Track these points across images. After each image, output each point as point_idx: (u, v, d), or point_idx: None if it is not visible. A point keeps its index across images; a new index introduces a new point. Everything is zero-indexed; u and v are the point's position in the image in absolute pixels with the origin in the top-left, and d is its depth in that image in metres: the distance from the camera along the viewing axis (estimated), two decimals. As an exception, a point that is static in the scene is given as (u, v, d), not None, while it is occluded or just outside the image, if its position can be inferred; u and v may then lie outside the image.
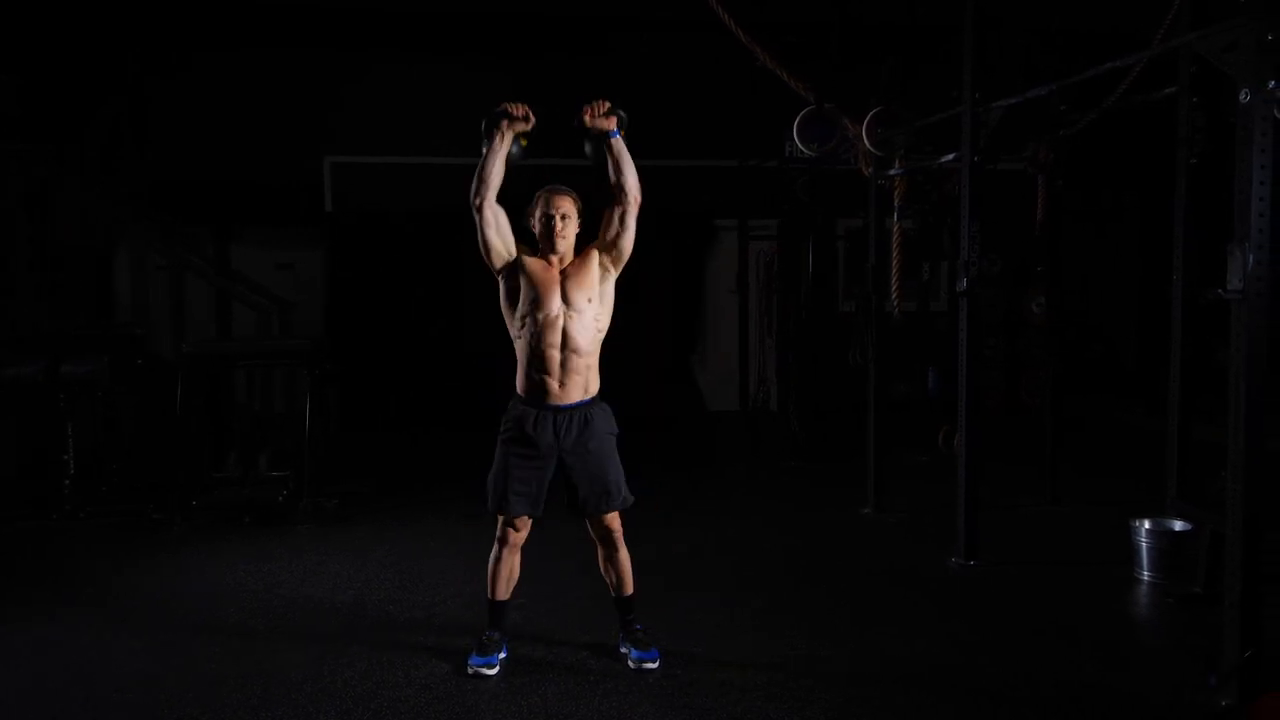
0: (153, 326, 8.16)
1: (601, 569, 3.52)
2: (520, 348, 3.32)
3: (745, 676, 3.34)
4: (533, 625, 3.81)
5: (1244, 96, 2.96)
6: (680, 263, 9.35)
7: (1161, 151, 4.70)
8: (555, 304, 3.26)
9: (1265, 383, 3.03)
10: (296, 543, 5.08)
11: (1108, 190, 9.74)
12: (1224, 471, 3.15)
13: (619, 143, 3.29)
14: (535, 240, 3.38)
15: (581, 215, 3.35)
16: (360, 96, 8.93)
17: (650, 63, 8.81)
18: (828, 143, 5.67)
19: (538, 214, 3.33)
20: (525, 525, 3.40)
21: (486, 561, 3.46)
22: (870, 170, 5.57)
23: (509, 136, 3.30)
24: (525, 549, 3.47)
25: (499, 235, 3.30)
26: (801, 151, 5.95)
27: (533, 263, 3.32)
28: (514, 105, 3.30)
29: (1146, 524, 4.39)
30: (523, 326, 3.29)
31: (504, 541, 3.40)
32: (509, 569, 3.43)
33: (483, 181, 3.27)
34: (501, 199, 3.32)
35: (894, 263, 6.09)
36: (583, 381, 3.30)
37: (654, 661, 3.40)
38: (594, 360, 3.34)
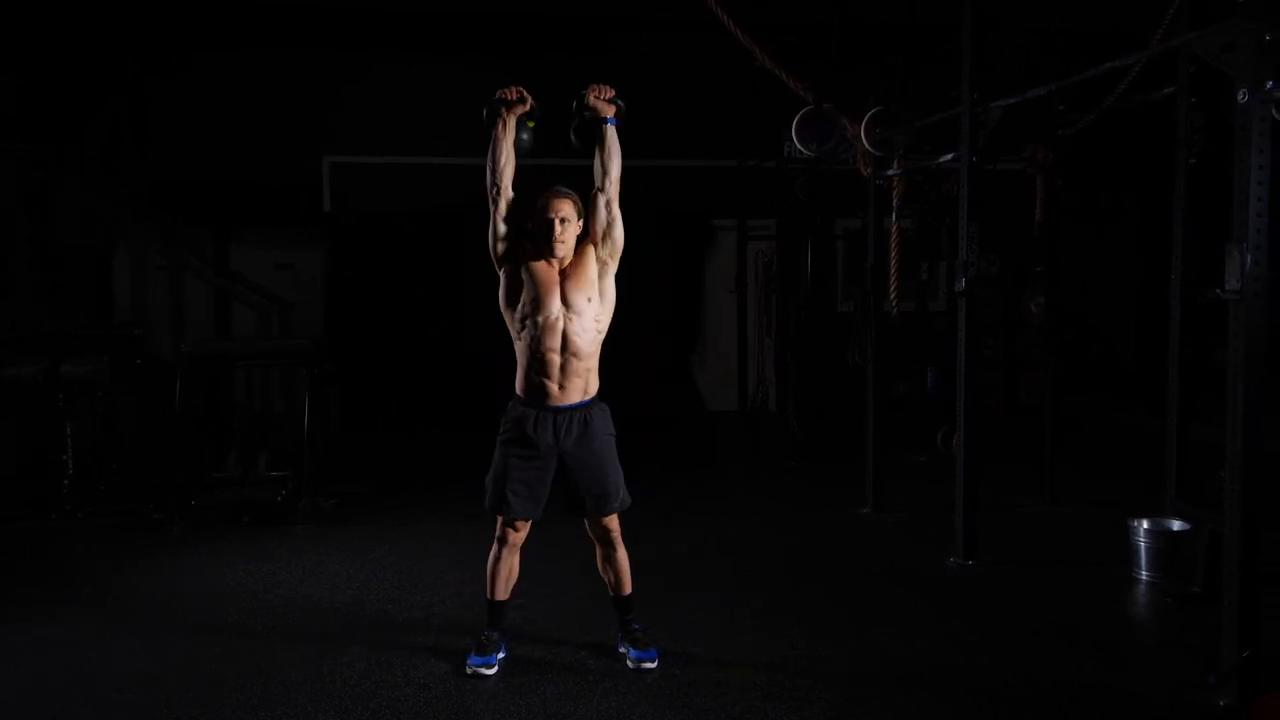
0: (152, 326, 8.16)
1: (600, 569, 3.53)
2: (520, 349, 3.32)
3: (744, 676, 3.34)
4: (532, 625, 3.81)
5: (1242, 97, 2.96)
6: (679, 263, 9.35)
7: (1160, 151, 4.70)
8: (555, 306, 3.26)
9: (1263, 383, 3.03)
10: (296, 543, 5.09)
11: (1107, 190, 9.75)
12: (1222, 471, 3.15)
13: (612, 131, 3.31)
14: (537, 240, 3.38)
15: (581, 218, 3.35)
16: (360, 96, 8.93)
17: (650, 63, 8.80)
18: (826, 143, 5.67)
19: (538, 217, 3.33)
20: (525, 526, 3.40)
21: (485, 562, 3.46)
22: (869, 170, 5.57)
23: (511, 122, 3.32)
24: (524, 549, 3.47)
25: (508, 224, 3.31)
26: (800, 151, 5.95)
27: (535, 262, 3.32)
28: (507, 89, 3.32)
29: (1145, 524, 4.39)
30: (522, 328, 3.29)
31: (503, 542, 3.40)
32: (508, 569, 3.44)
33: (493, 169, 3.30)
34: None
35: (892, 263, 6.09)
36: (582, 384, 3.31)
37: (653, 661, 3.40)
38: (594, 362, 3.34)
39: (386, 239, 8.97)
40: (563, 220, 3.28)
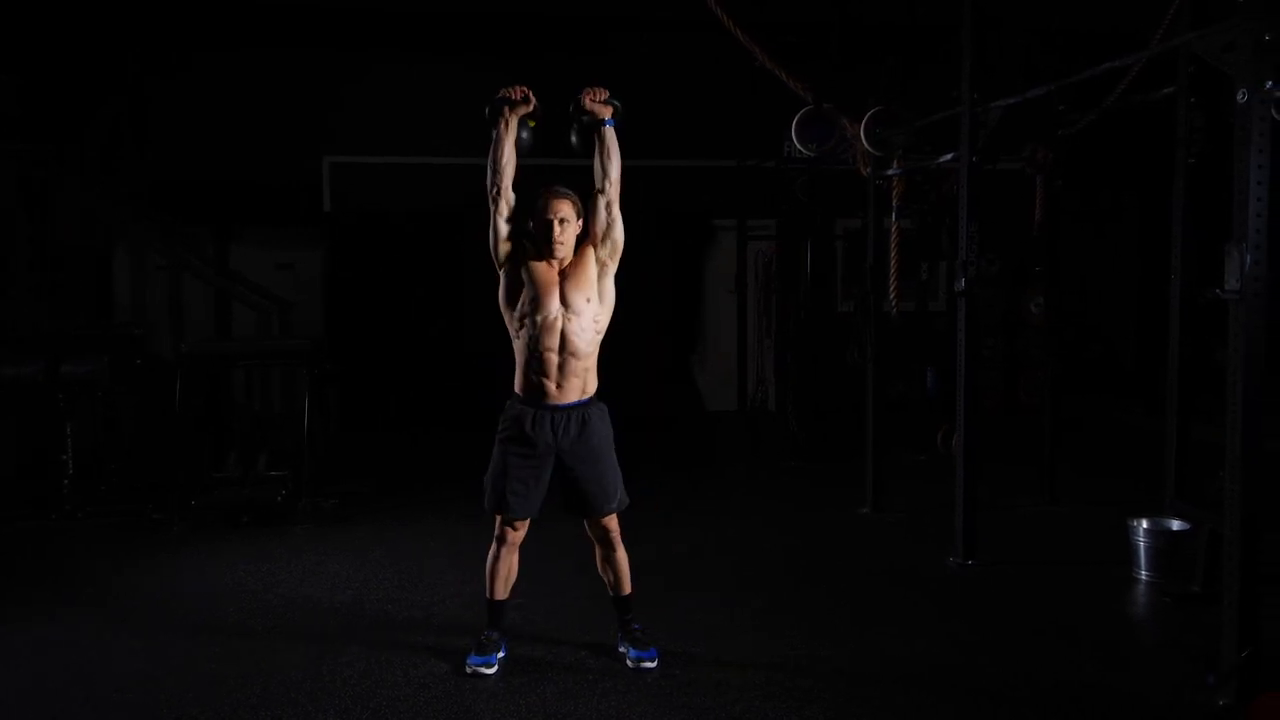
0: (152, 326, 8.16)
1: (599, 568, 3.53)
2: (519, 348, 3.33)
3: (744, 676, 3.34)
4: (531, 625, 3.81)
5: (1242, 97, 2.96)
6: (679, 263, 9.35)
7: (1160, 151, 4.70)
8: (554, 306, 3.26)
9: (1263, 383, 3.04)
10: (295, 543, 5.09)
11: (1106, 190, 9.75)
12: (1222, 471, 3.15)
13: (611, 132, 3.30)
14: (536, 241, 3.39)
15: (581, 218, 3.35)
16: (360, 96, 8.93)
17: (650, 63, 8.80)
18: (826, 143, 5.67)
19: (537, 217, 3.33)
20: (523, 525, 3.40)
21: (485, 561, 3.46)
22: (869, 170, 5.57)
23: (513, 122, 3.31)
24: (523, 549, 3.47)
25: (506, 223, 3.31)
26: (800, 151, 5.95)
27: (535, 263, 3.32)
28: (512, 89, 3.31)
29: (1145, 524, 4.40)
30: (521, 327, 3.29)
31: (502, 541, 3.40)
32: (507, 568, 3.44)
33: (495, 170, 3.29)
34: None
35: (892, 263, 6.09)
36: (580, 383, 3.31)
37: (652, 661, 3.40)
38: (592, 362, 3.34)
39: (386, 239, 8.97)
40: (562, 221, 3.28)
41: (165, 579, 4.52)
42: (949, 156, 5.10)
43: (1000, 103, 4.60)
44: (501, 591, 3.45)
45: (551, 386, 3.28)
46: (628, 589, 3.51)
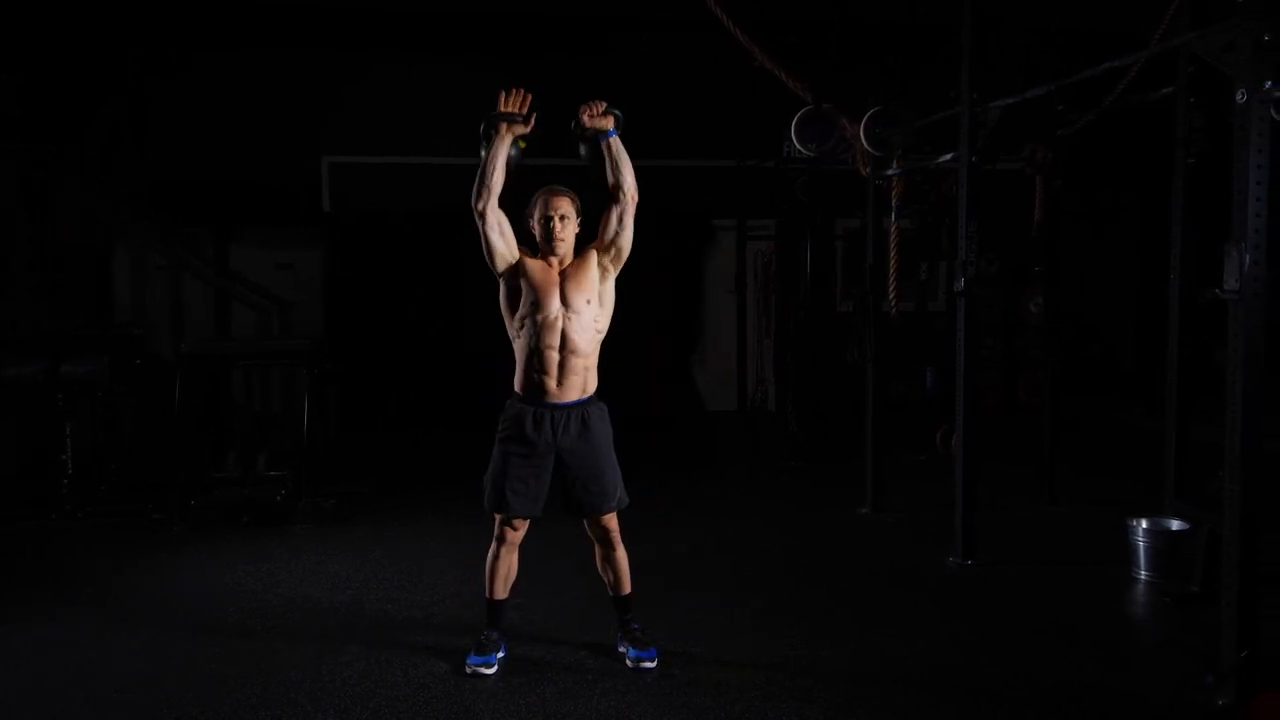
0: (152, 326, 8.16)
1: (599, 568, 3.53)
2: (519, 347, 3.33)
3: (744, 676, 3.34)
4: (531, 625, 3.81)
5: (1241, 97, 2.96)
6: (679, 263, 9.35)
7: (1160, 151, 4.71)
8: (554, 305, 3.27)
9: (1262, 383, 3.04)
10: (295, 542, 5.09)
11: (1106, 190, 9.75)
12: (1221, 471, 3.15)
13: (616, 142, 3.29)
14: (534, 242, 3.39)
15: (580, 215, 3.36)
16: (359, 96, 8.93)
17: (650, 63, 8.80)
18: (826, 143, 5.68)
19: (536, 215, 3.34)
20: (523, 525, 3.40)
21: (484, 561, 3.46)
22: (868, 170, 5.57)
23: (508, 139, 3.29)
24: (523, 548, 3.47)
25: (502, 238, 3.29)
26: (800, 151, 5.96)
27: (533, 265, 3.32)
28: (512, 101, 3.29)
29: (1144, 523, 4.40)
30: (521, 328, 3.30)
31: (501, 540, 3.41)
32: (507, 568, 3.44)
33: (485, 185, 3.25)
34: (501, 200, 3.31)
35: (892, 263, 6.10)
36: (580, 381, 3.31)
37: (652, 660, 3.41)
38: (592, 361, 3.35)
39: (386, 239, 8.97)
40: (562, 217, 3.30)
41: (165, 579, 4.52)
42: (948, 156, 5.10)
43: (1000, 103, 4.60)
44: (501, 591, 3.46)
45: (552, 384, 3.28)
46: (627, 589, 3.51)
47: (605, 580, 3.53)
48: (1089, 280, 9.65)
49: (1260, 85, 2.94)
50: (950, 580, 4.44)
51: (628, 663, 3.43)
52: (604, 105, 3.30)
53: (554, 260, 3.33)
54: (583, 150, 3.35)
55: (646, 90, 8.90)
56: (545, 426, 3.29)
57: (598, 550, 3.50)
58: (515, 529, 3.39)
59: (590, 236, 3.41)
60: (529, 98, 3.31)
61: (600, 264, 3.34)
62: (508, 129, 3.27)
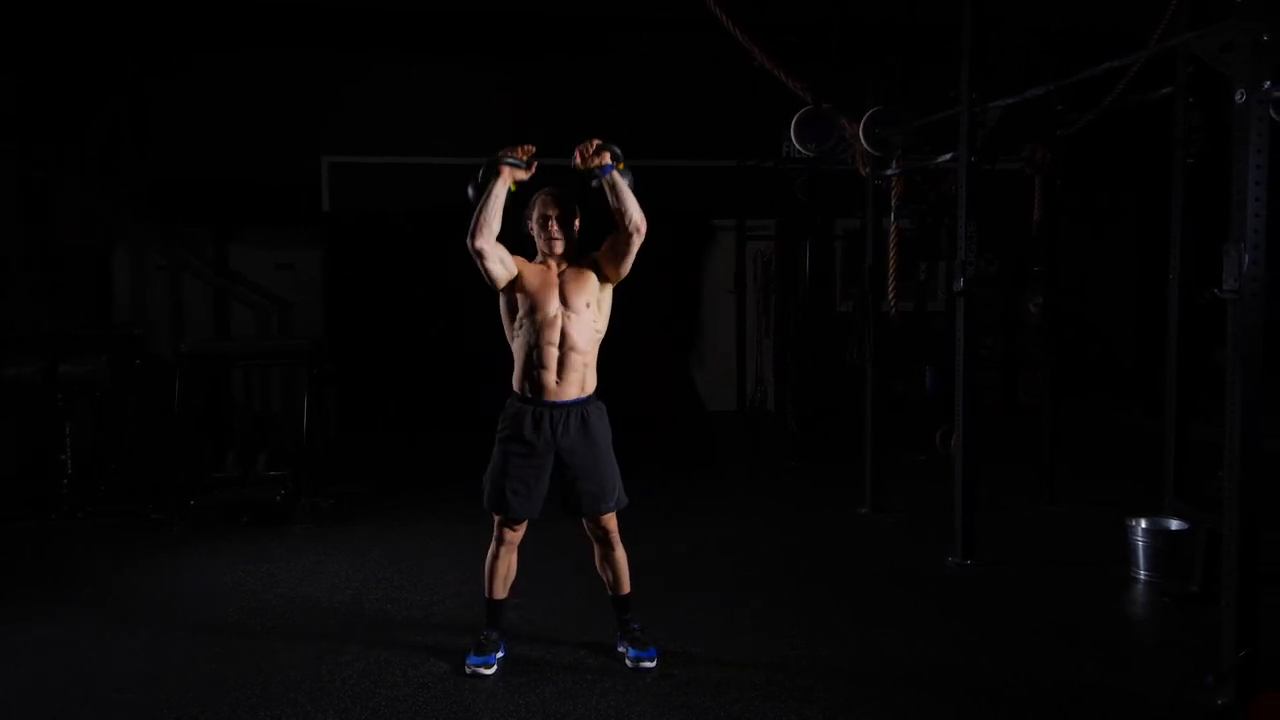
0: (152, 326, 8.16)
1: (598, 568, 3.53)
2: (518, 346, 3.34)
3: (744, 676, 3.34)
4: (530, 625, 3.81)
5: (1240, 97, 2.96)
6: (678, 263, 9.35)
7: (1159, 152, 4.71)
8: (553, 305, 3.28)
9: (1262, 382, 3.04)
10: (295, 542, 5.09)
11: (1105, 190, 9.76)
12: (1221, 471, 3.15)
13: (615, 177, 3.25)
14: (531, 246, 3.39)
15: (578, 216, 3.36)
16: (360, 96, 8.93)
17: (649, 63, 8.81)
18: (825, 143, 5.67)
19: (535, 216, 3.35)
20: (522, 525, 3.40)
21: (484, 561, 3.46)
22: (868, 170, 5.57)
23: (509, 182, 3.27)
24: (522, 548, 3.47)
25: (502, 264, 3.29)
26: (799, 151, 5.95)
27: (531, 270, 3.32)
28: (520, 150, 3.29)
29: (1144, 523, 4.40)
30: (520, 326, 3.31)
31: (501, 540, 3.41)
32: (506, 568, 3.44)
33: (486, 226, 3.21)
34: (501, 234, 3.30)
35: (891, 263, 6.10)
36: (580, 379, 3.32)
37: (651, 660, 3.41)
38: (591, 359, 3.35)
39: (386, 239, 8.97)
40: (560, 217, 3.32)
41: (165, 579, 4.52)
42: (948, 156, 5.10)
43: (999, 103, 4.60)
44: (501, 591, 3.46)
45: (551, 380, 3.28)
46: (627, 588, 3.51)
47: (604, 580, 3.54)
48: (1088, 280, 9.65)
49: (1259, 85, 2.94)
50: (950, 580, 4.44)
51: (627, 663, 3.43)
52: (596, 143, 3.28)
53: (552, 262, 3.34)
54: (593, 184, 3.35)
55: (646, 90, 8.94)
56: (545, 425, 3.29)
57: (596, 550, 3.50)
58: (514, 529, 3.39)
59: (592, 244, 3.41)
60: (533, 150, 3.32)
61: (600, 274, 3.35)
62: (510, 173, 3.27)
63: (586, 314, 3.30)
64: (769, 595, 4.23)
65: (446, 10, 8.68)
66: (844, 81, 5.96)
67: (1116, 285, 10.10)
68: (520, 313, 3.30)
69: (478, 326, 5.68)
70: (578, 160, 3.29)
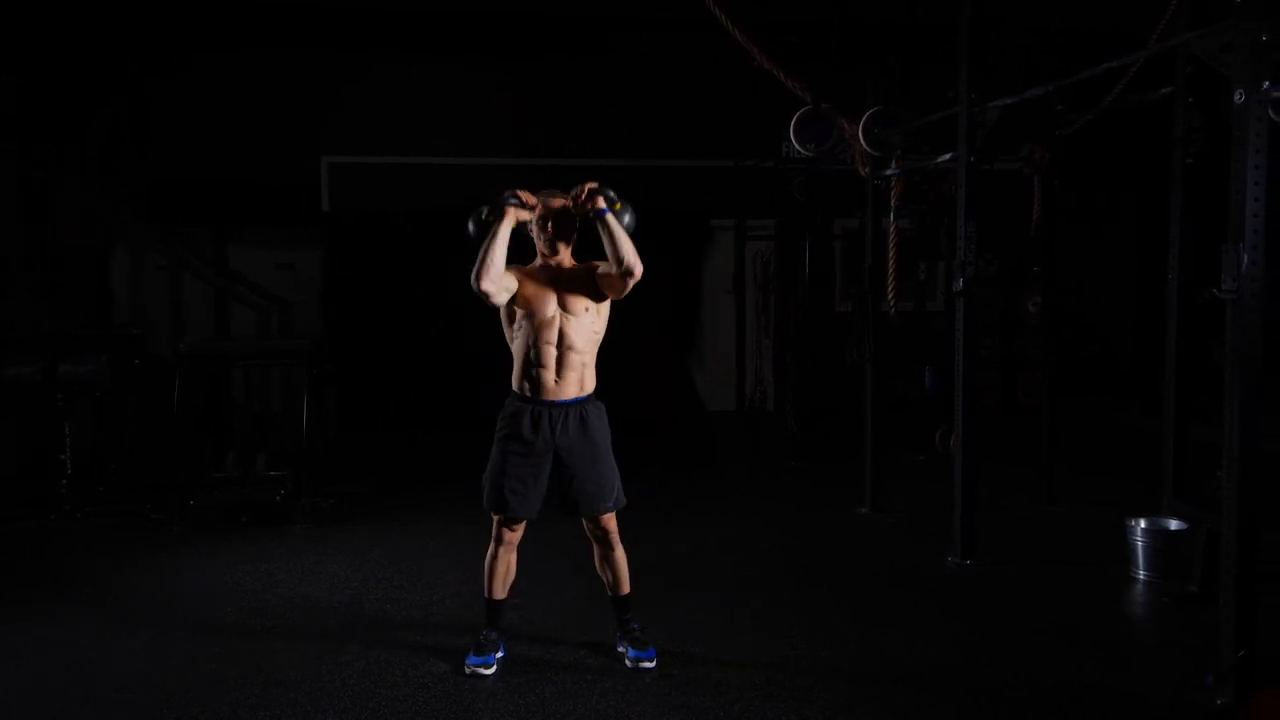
0: (152, 326, 8.16)
1: (598, 568, 3.53)
2: (517, 346, 3.35)
3: (743, 676, 3.35)
4: (530, 625, 3.82)
5: (1239, 97, 2.97)
6: (677, 263, 9.34)
7: (1158, 152, 4.71)
8: (552, 307, 3.30)
9: (1260, 383, 3.04)
10: (295, 542, 5.09)
11: (1104, 190, 9.76)
12: (1220, 471, 3.16)
13: (610, 220, 3.25)
14: (530, 248, 3.40)
15: (578, 217, 3.37)
16: (359, 96, 8.93)
17: (649, 63, 8.81)
18: (825, 143, 5.67)
19: (535, 217, 3.35)
20: (521, 525, 3.41)
21: (484, 561, 3.47)
22: (867, 170, 5.57)
23: (513, 223, 3.28)
24: (521, 548, 3.48)
25: (507, 292, 3.29)
26: (798, 151, 5.95)
27: (529, 279, 3.33)
28: (527, 195, 3.31)
29: (1143, 523, 4.40)
30: (519, 328, 3.33)
31: (499, 540, 3.41)
32: (505, 568, 3.44)
33: (493, 267, 3.20)
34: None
35: (891, 263, 6.10)
36: (578, 378, 3.32)
37: (651, 660, 3.41)
38: (590, 360, 3.36)
39: (386, 239, 8.97)
40: (560, 218, 3.33)
41: (165, 579, 4.52)
42: (947, 156, 5.11)
43: (998, 103, 4.60)
44: (500, 591, 3.46)
45: (550, 379, 3.29)
46: (626, 589, 3.51)
47: (604, 580, 3.54)
48: (1087, 280, 9.65)
49: (1258, 85, 2.94)
50: (949, 580, 4.44)
51: (627, 663, 3.43)
52: (589, 187, 3.30)
53: (552, 262, 3.34)
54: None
55: (646, 90, 8.94)
56: (543, 424, 3.30)
57: (596, 550, 3.50)
58: (513, 530, 3.39)
59: (592, 250, 3.41)
60: (534, 198, 3.35)
61: (598, 290, 3.35)
62: (514, 213, 3.29)
63: (585, 316, 3.31)
64: (769, 595, 4.23)
65: (447, 10, 8.69)
66: (843, 82, 5.96)
67: (1115, 285, 10.11)
68: (519, 315, 3.32)
69: (478, 326, 5.68)
70: (570, 202, 3.31)
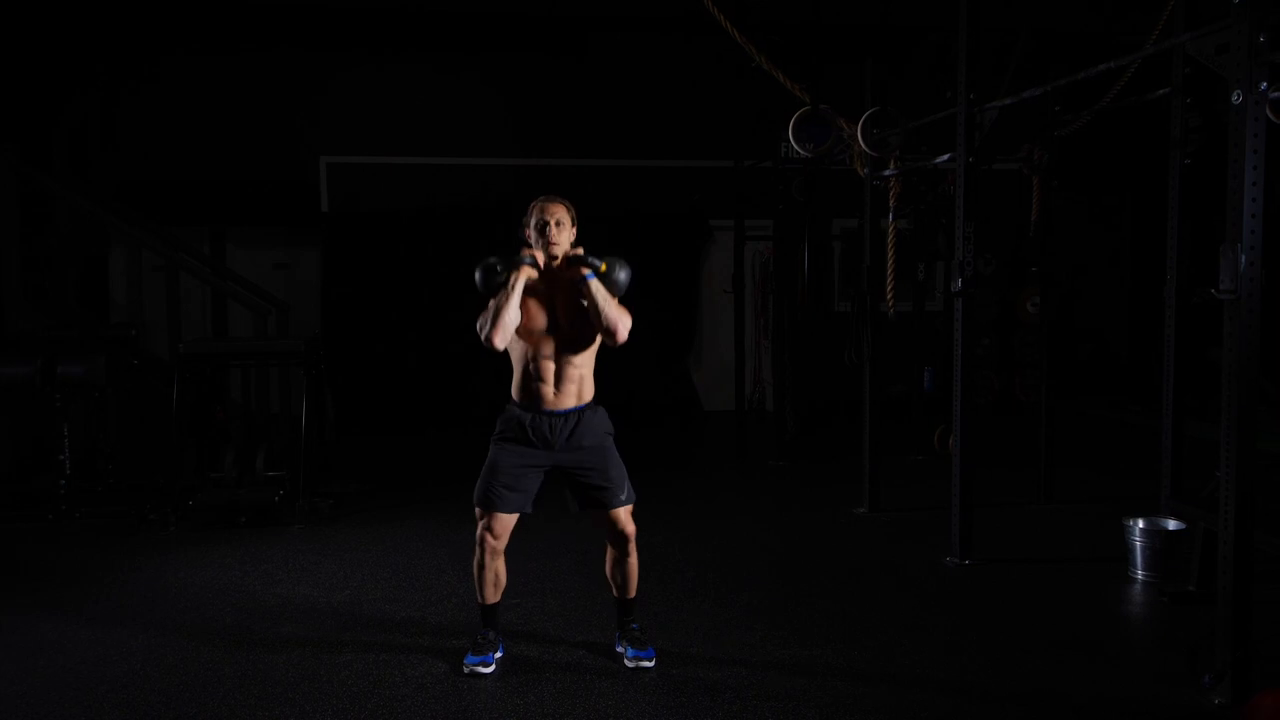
0: (148, 327, 8.14)
1: (608, 571, 3.51)
2: (515, 358, 3.37)
3: (741, 675, 3.35)
4: (528, 624, 3.82)
5: (1236, 98, 2.97)
6: (676, 263, 9.35)
7: (1156, 152, 4.72)
8: (549, 325, 3.32)
9: (1258, 382, 3.05)
10: (292, 543, 5.09)
11: (1102, 190, 9.78)
12: (1218, 471, 3.16)
13: (594, 284, 3.27)
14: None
15: (575, 224, 3.38)
16: (358, 97, 8.94)
17: (649, 64, 8.82)
18: (823, 143, 5.68)
19: (532, 222, 3.36)
20: (504, 528, 3.36)
21: (473, 568, 3.46)
22: (866, 171, 5.58)
23: (524, 281, 3.29)
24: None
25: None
26: (797, 152, 5.96)
27: (526, 299, 3.32)
28: (535, 254, 3.32)
29: (1141, 523, 4.41)
30: (516, 344, 3.34)
31: (483, 545, 3.37)
32: (493, 573, 3.42)
33: (508, 327, 3.24)
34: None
35: (889, 263, 6.11)
36: (576, 389, 3.34)
37: (650, 660, 3.41)
38: (588, 371, 3.38)
39: (384, 239, 8.98)
40: (558, 223, 3.34)
41: (162, 579, 4.52)
42: (945, 157, 5.11)
43: (996, 103, 4.61)
44: (493, 596, 3.45)
45: (549, 392, 3.31)
46: (633, 594, 3.51)
47: (612, 583, 3.51)
48: (1085, 280, 9.68)
49: (1255, 87, 2.95)
50: (947, 579, 4.45)
51: (626, 662, 3.43)
52: (573, 253, 3.32)
53: (549, 274, 3.34)
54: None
55: (646, 91, 8.95)
56: (542, 431, 3.31)
57: (611, 554, 3.47)
58: (495, 535, 3.35)
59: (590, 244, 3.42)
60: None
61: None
62: (526, 271, 3.30)
63: (582, 331, 3.33)
64: (765, 594, 4.23)
65: (446, 10, 8.70)
66: (842, 82, 5.96)
67: (1113, 284, 10.13)
68: (518, 331, 3.33)
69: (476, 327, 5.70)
70: (555, 263, 3.33)
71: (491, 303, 3.28)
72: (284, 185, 8.93)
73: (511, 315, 3.25)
